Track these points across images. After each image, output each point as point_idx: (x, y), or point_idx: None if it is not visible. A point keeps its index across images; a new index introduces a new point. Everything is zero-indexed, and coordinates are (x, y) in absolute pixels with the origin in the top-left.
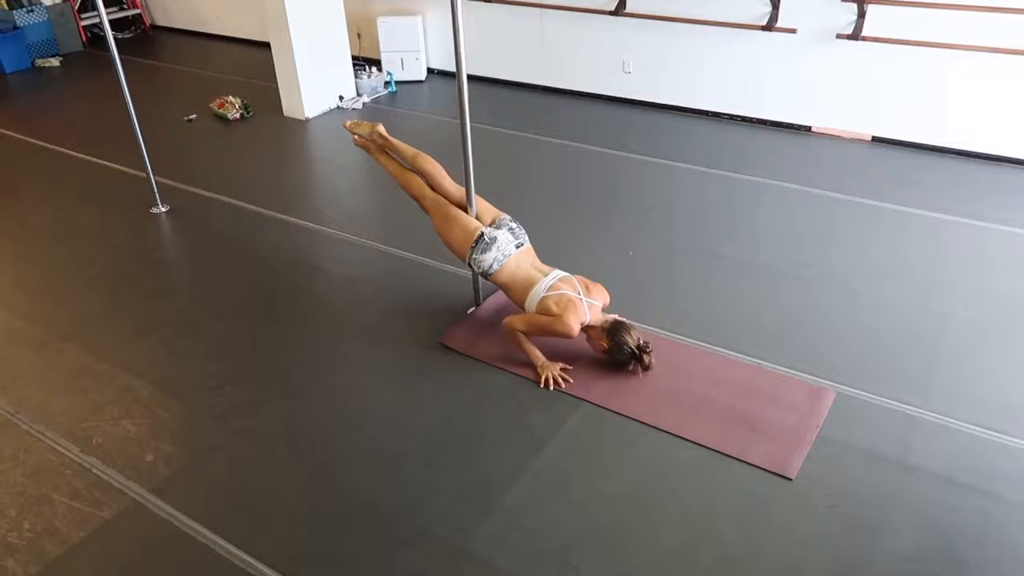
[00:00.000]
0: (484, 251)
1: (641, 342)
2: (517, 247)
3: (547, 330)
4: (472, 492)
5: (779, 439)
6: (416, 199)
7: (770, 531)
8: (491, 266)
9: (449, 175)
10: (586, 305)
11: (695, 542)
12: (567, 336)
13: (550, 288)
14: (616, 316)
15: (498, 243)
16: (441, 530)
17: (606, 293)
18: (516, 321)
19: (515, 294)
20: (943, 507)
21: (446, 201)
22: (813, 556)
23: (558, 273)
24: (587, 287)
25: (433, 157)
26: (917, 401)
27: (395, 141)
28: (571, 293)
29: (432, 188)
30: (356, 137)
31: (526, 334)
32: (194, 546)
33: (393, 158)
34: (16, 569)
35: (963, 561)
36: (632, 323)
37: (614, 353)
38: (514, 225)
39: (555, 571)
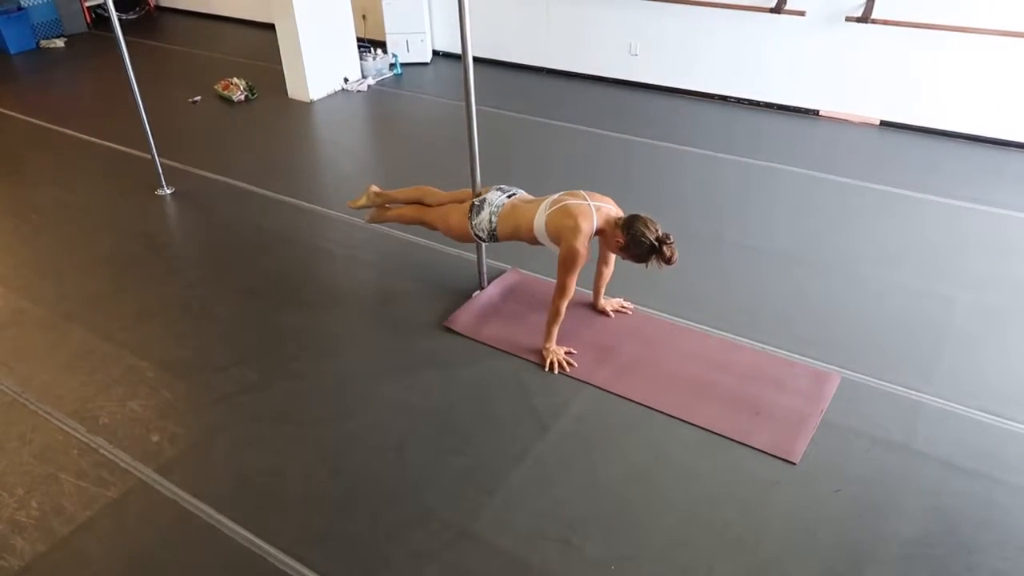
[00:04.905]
0: (478, 212)
1: (660, 233)
2: (509, 197)
3: (570, 250)
4: (476, 474)
5: (783, 423)
6: (430, 225)
7: (773, 515)
8: (490, 220)
9: (440, 189)
10: (593, 208)
11: (698, 525)
12: (578, 240)
13: (553, 203)
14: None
15: (488, 200)
16: (445, 511)
17: (612, 200)
18: (557, 293)
19: (524, 232)
20: (947, 492)
21: (439, 203)
22: (817, 540)
23: (557, 194)
24: (591, 196)
25: (438, 142)
26: (923, 386)
27: (389, 192)
28: (575, 200)
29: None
30: (367, 215)
31: (565, 290)
32: (200, 525)
33: (397, 207)
34: (24, 547)
35: (967, 545)
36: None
37: (631, 248)
38: (504, 186)
39: (558, 552)
